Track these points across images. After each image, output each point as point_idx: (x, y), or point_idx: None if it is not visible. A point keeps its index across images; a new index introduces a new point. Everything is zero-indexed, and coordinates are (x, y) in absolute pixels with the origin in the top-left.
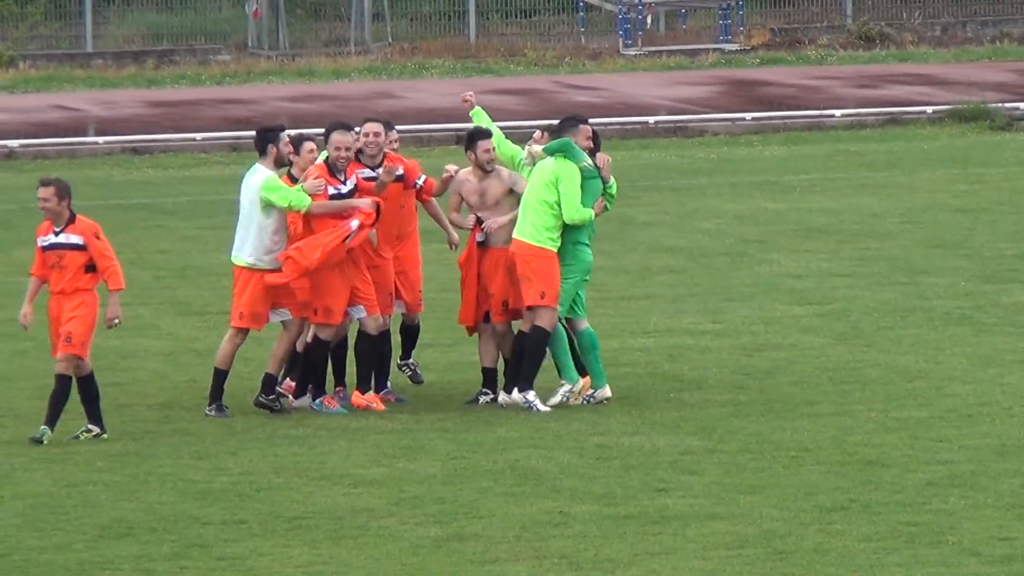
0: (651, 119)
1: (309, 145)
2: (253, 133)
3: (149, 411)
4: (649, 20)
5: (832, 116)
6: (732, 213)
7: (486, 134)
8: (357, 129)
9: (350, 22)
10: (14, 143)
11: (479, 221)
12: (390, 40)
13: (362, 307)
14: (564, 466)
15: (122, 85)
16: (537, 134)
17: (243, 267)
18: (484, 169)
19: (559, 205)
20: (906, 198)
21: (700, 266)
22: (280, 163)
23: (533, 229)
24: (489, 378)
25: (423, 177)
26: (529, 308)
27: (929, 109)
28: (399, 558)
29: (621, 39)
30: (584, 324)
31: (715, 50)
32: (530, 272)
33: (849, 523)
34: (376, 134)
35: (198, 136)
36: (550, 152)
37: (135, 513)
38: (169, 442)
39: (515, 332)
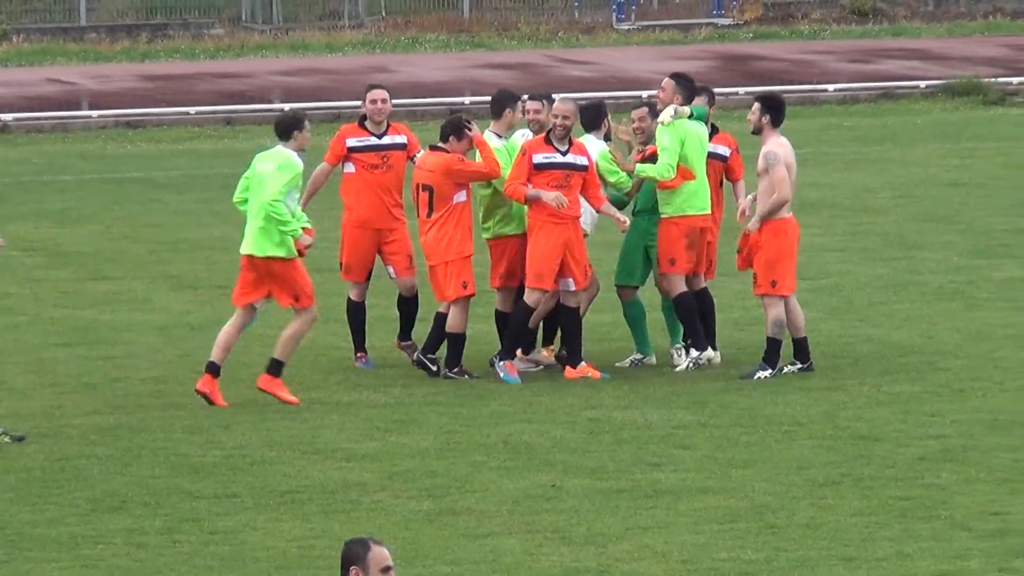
0: (644, 93)
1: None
2: (255, 108)
3: (142, 385)
4: None
5: (825, 91)
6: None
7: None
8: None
9: None
10: (8, 117)
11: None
12: (384, 14)
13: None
14: (557, 440)
15: (116, 59)
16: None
17: None
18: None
19: None
20: (899, 173)
21: None
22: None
23: None
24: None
25: (421, 151)
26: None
27: (922, 84)
28: (392, 532)
29: (614, 13)
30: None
31: (708, 24)
32: None
33: (841, 497)
34: (384, 100)
35: (192, 110)
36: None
37: (128, 487)
38: (162, 416)
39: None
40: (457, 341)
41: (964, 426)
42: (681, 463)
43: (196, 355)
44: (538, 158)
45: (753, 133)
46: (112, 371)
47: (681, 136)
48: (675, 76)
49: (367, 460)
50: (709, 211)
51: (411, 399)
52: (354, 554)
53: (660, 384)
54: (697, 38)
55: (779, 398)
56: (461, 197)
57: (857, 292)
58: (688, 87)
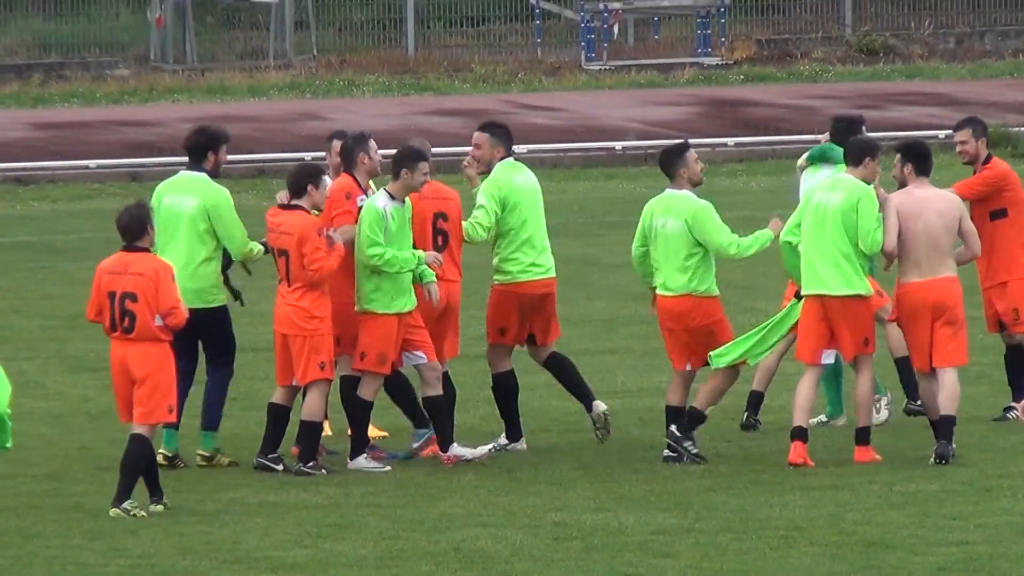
0: (618, 145)
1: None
2: (164, 161)
3: (35, 483)
4: (616, 30)
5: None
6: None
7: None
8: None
9: (268, 32)
10: None
11: None
12: (315, 52)
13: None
14: (517, 547)
15: (4, 104)
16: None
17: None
18: None
19: None
20: None
21: None
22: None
23: None
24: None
25: None
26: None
27: (941, 134)
28: None
29: (584, 52)
30: None
31: (692, 64)
32: None
33: None
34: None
35: (92, 164)
36: None
37: None
38: (58, 519)
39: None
40: (312, 430)
41: (991, 531)
42: (662, 574)
43: (97, 448)
44: None
45: (900, 188)
46: (0, 466)
47: (503, 193)
48: (486, 127)
49: (296, 571)
50: (552, 274)
51: (347, 499)
52: None
53: (636, 482)
54: (679, 80)
55: (775, 499)
56: None
57: None
58: (505, 136)
